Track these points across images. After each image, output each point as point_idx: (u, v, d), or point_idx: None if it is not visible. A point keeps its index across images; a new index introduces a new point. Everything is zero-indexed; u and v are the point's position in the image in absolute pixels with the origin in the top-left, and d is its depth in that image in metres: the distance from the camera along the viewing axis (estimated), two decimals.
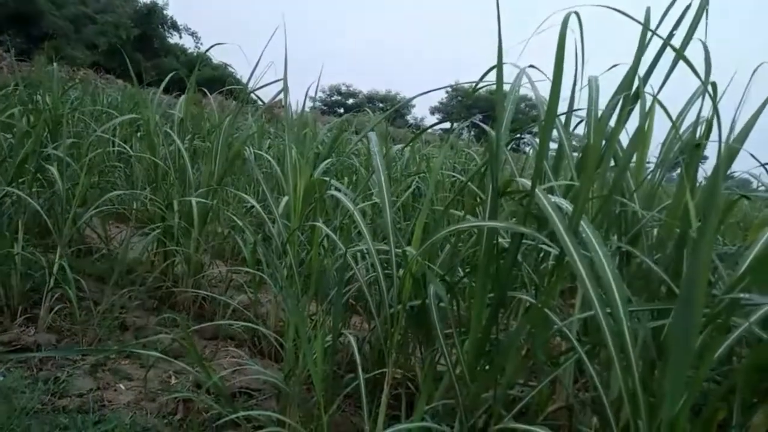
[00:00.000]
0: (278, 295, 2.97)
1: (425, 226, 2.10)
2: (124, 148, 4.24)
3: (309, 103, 3.80)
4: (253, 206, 3.20)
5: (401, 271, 1.97)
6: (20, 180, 3.17)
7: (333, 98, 61.22)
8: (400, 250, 1.96)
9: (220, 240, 3.88)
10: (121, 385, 2.39)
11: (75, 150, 3.76)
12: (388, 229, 1.98)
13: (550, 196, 1.56)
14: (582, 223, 1.49)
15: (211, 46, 4.03)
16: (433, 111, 53.83)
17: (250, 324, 2.62)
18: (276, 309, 3.09)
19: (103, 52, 34.50)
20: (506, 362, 1.66)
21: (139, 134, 4.98)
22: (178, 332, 2.90)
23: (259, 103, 4.72)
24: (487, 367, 1.75)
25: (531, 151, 4.51)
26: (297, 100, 4.20)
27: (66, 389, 2.26)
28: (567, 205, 1.61)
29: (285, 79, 3.17)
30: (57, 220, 3.11)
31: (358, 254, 2.49)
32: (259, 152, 4.09)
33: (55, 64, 4.68)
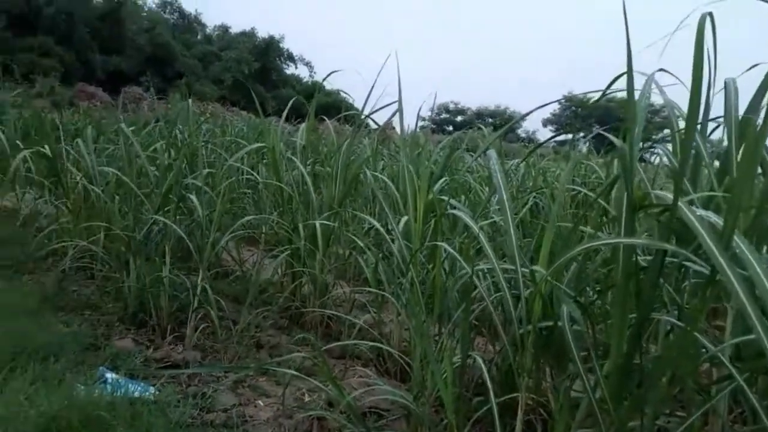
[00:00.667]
0: (401, 315, 3.01)
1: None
2: (253, 175, 4.52)
3: (419, 123, 3.86)
4: (372, 226, 3.28)
5: (528, 291, 1.91)
6: (165, 209, 3.50)
7: (441, 116, 61.39)
8: (526, 270, 1.91)
9: (342, 261, 4.01)
10: (260, 402, 2.53)
11: (210, 179, 4.08)
12: (512, 248, 1.94)
13: (693, 208, 1.44)
14: (735, 237, 1.36)
15: (328, 75, 4.22)
16: (546, 123, 52.12)
17: (376, 344, 2.67)
18: (399, 329, 3.12)
19: (228, 87, 37.39)
20: (652, 390, 1.55)
21: (264, 161, 5.30)
22: (309, 351, 3.03)
23: (373, 126, 4.87)
24: (630, 395, 1.64)
25: (657, 159, 4.21)
26: (408, 122, 4.28)
27: (212, 404, 2.44)
28: (715, 219, 1.48)
29: (400, 101, 3.24)
30: (198, 244, 3.39)
31: (479, 273, 2.46)
32: (376, 174, 4.19)
33: (189, 100, 5.11)
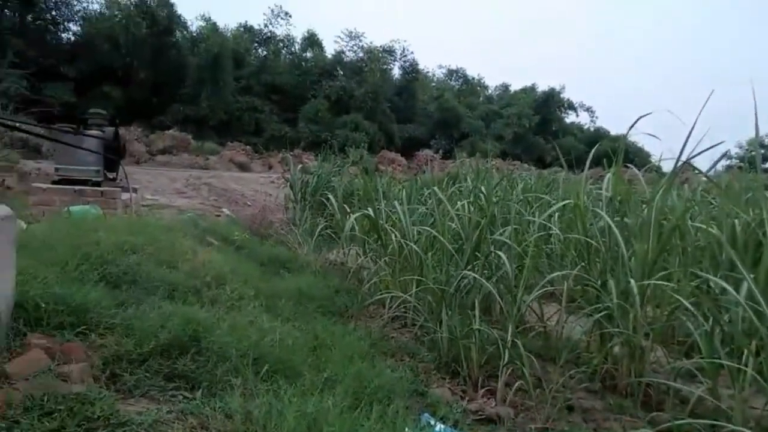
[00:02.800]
0: (744, 389, 2.55)
1: None
2: (553, 230, 4.46)
3: (723, 162, 3.33)
4: (705, 285, 2.89)
5: None
6: (474, 263, 3.68)
7: (752, 153, 52.28)
8: None
9: (661, 322, 3.62)
10: None
11: (514, 235, 4.16)
12: None
13: None
14: None
15: (636, 121, 3.97)
16: None
17: (716, 422, 2.30)
18: (743, 405, 2.64)
19: (508, 141, 38.50)
20: None
21: (562, 214, 5.20)
22: (629, 420, 2.77)
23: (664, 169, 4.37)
24: None
25: None
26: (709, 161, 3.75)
27: None
28: None
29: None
30: (505, 299, 3.45)
31: None
32: (696, 224, 3.73)
33: (489, 161, 5.34)
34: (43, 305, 2.12)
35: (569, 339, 3.84)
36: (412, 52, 40.77)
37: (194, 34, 35.30)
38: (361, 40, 39.99)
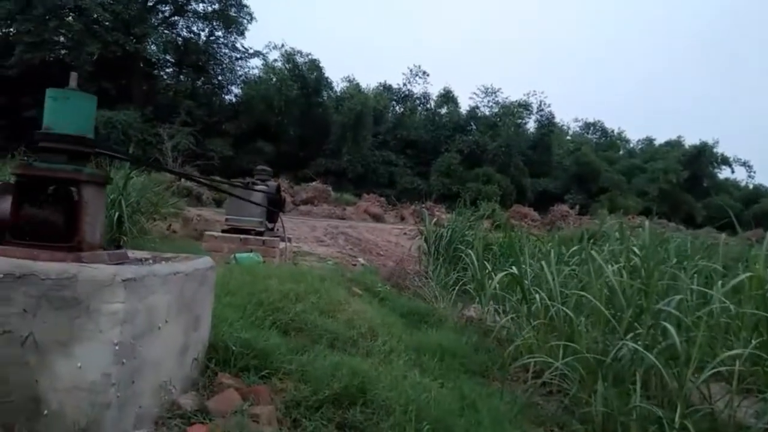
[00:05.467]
0: None
1: None
2: (728, 305, 4.07)
3: None
4: None
5: None
6: (635, 332, 3.46)
7: None
8: None
9: None
10: None
11: (680, 304, 3.86)
12: None
13: None
14: None
15: None
16: None
17: None
18: None
19: (652, 198, 36.03)
20: None
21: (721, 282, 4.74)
22: None
23: None
24: None
25: None
26: None
27: None
28: None
29: None
30: (670, 375, 3.19)
31: None
32: None
33: (628, 214, 5.05)
34: (233, 348, 2.34)
35: (741, 426, 3.43)
36: (549, 105, 40.35)
37: (338, 94, 37.90)
38: (496, 96, 40.42)
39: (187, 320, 2.06)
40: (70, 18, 29.35)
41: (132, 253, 2.25)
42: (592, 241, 7.38)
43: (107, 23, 29.33)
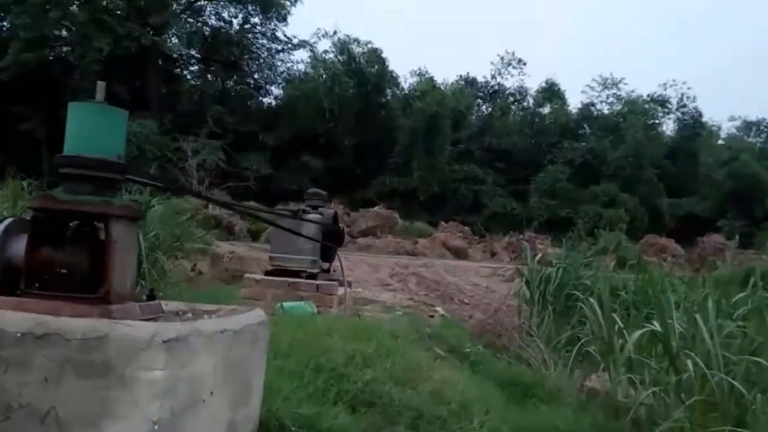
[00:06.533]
0: None
1: None
2: None
3: None
4: None
5: None
6: None
7: None
8: None
9: None
10: None
11: None
12: None
13: None
14: None
15: None
16: None
17: None
18: None
19: None
20: None
21: None
22: None
23: None
24: None
25: None
26: None
27: None
28: None
29: None
30: None
31: None
32: None
33: None
34: (291, 428, 2.39)
35: None
36: (693, 99, 39.18)
37: (406, 92, 38.23)
38: (619, 89, 39.73)
39: (235, 391, 2.13)
40: (75, 7, 31.02)
41: (165, 305, 2.35)
42: (762, 284, 7.05)
43: (119, 12, 30.89)
